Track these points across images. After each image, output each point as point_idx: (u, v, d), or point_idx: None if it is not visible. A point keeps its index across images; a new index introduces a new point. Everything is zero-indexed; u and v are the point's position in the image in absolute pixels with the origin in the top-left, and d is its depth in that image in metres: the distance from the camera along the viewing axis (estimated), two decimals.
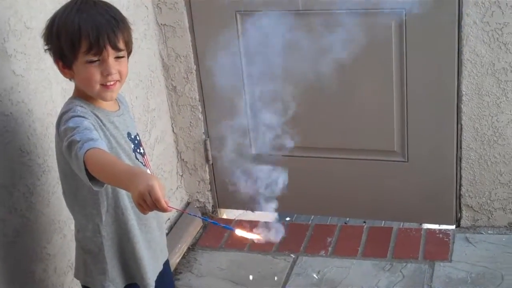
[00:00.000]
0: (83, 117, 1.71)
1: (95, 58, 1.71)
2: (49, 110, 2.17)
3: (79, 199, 1.81)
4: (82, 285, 1.95)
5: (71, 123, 1.68)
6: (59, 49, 1.74)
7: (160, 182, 1.49)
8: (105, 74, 1.72)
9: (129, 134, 1.86)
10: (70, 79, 1.81)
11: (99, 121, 1.77)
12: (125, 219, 1.83)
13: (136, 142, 1.89)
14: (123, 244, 1.85)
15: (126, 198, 1.82)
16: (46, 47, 1.78)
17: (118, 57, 1.74)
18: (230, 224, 3.13)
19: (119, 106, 1.89)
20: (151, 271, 1.91)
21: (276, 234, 1.69)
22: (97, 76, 1.72)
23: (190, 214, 1.70)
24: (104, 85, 1.74)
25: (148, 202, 1.47)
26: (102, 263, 1.85)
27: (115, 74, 1.74)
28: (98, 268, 1.86)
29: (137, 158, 1.86)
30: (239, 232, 1.63)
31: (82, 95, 1.79)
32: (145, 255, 1.87)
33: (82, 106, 1.75)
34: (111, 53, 1.72)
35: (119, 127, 1.83)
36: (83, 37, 1.69)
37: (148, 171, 1.89)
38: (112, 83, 1.74)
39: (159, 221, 1.96)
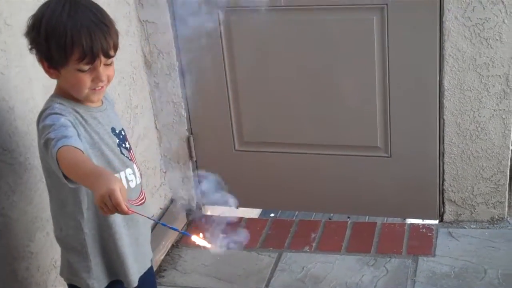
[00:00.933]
0: (60, 114, 1.70)
1: (87, 67, 1.70)
2: (30, 107, 2.15)
3: (61, 197, 1.80)
4: (68, 284, 1.94)
5: (48, 120, 1.69)
6: (46, 51, 1.71)
7: (123, 185, 1.51)
8: (96, 81, 1.73)
9: (113, 129, 1.85)
10: (55, 78, 1.79)
11: (80, 117, 1.76)
12: (106, 216, 1.82)
13: (121, 137, 1.88)
14: (105, 241, 1.84)
15: None
16: (30, 46, 1.75)
17: (107, 64, 1.74)
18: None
19: (102, 102, 1.87)
20: (135, 268, 1.90)
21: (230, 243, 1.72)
22: (88, 83, 1.72)
23: (151, 219, 1.70)
24: (93, 89, 1.74)
25: (109, 205, 1.48)
26: (86, 260, 1.84)
27: (104, 79, 1.74)
28: (82, 266, 1.85)
29: (122, 153, 1.85)
30: (195, 238, 1.65)
31: (64, 93, 1.78)
32: (129, 252, 1.86)
33: (61, 104, 1.75)
34: (103, 61, 1.71)
35: (102, 122, 1.82)
36: (75, 46, 1.66)
37: (135, 166, 1.89)
38: (100, 87, 1.75)
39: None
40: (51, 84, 2.10)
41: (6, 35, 2.04)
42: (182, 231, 1.66)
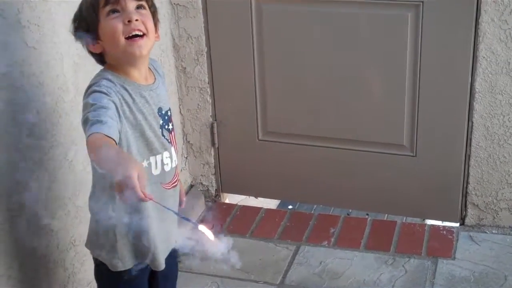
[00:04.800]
0: (105, 93, 1.68)
1: (115, 8, 1.69)
2: (59, 84, 2.14)
3: (98, 173, 1.77)
4: (93, 257, 1.93)
5: (91, 98, 1.66)
6: (84, 23, 1.72)
7: (143, 171, 1.48)
8: (127, 21, 1.69)
9: (160, 110, 1.83)
10: (101, 55, 1.77)
11: (128, 95, 1.73)
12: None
13: (166, 118, 1.85)
14: (135, 223, 1.82)
15: None
16: (75, 35, 1.77)
17: (139, 8, 1.72)
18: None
19: (155, 78, 1.85)
20: (163, 250, 1.89)
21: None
22: (119, 26, 1.69)
23: (167, 208, 1.67)
24: (129, 39, 1.70)
25: (126, 191, 1.45)
26: (113, 239, 1.82)
27: (138, 23, 1.70)
28: (108, 243, 1.83)
29: (163, 135, 1.83)
30: (202, 228, 1.61)
31: (114, 67, 1.76)
32: (158, 235, 1.84)
33: (109, 80, 1.72)
34: (128, 1, 1.70)
35: (150, 101, 1.79)
36: None
37: (173, 149, 1.87)
38: (136, 32, 1.70)
39: (175, 200, 1.93)
40: (82, 62, 2.11)
41: (40, 10, 2.02)
42: (192, 221, 1.62)
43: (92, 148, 1.56)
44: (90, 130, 1.58)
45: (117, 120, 1.66)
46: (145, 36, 1.72)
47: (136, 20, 1.70)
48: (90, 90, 1.70)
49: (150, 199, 1.49)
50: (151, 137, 1.79)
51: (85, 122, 1.62)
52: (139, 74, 1.79)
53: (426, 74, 2.74)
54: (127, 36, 1.70)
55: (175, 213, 1.67)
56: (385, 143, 2.92)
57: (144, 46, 1.73)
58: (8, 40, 1.91)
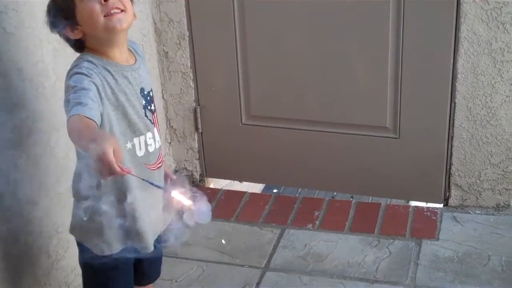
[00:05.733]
0: (86, 74, 1.67)
1: None
2: (39, 70, 2.12)
3: (82, 156, 1.76)
4: (77, 241, 1.91)
5: (72, 80, 1.66)
6: (61, 11, 1.70)
7: (117, 146, 1.47)
8: (103, 1, 1.67)
9: (142, 90, 1.82)
10: (81, 40, 1.75)
11: (111, 76, 1.73)
12: (123, 179, 1.79)
13: (148, 98, 1.84)
14: (121, 205, 1.80)
15: (125, 158, 1.78)
16: (51, 26, 1.75)
17: None
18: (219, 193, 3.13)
19: (136, 59, 1.84)
20: (151, 232, 1.88)
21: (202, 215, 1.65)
22: (97, 6, 1.67)
23: (143, 179, 1.65)
24: (108, 15, 1.69)
25: (103, 168, 1.44)
26: (98, 222, 1.81)
27: (115, 1, 1.68)
28: (93, 227, 1.82)
29: (146, 116, 1.82)
30: (175, 194, 1.60)
31: (95, 49, 1.74)
32: (145, 217, 1.83)
33: (90, 61, 1.71)
34: None
35: (132, 82, 1.78)
36: None
37: (155, 130, 1.86)
38: (114, 10, 1.68)
39: (161, 181, 1.92)
40: (62, 47, 2.07)
41: None
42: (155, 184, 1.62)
43: (71, 129, 1.56)
44: (70, 112, 1.57)
45: (98, 101, 1.66)
46: (123, 12, 1.71)
47: None
48: (71, 73, 1.69)
49: (128, 172, 1.49)
50: (134, 118, 1.78)
51: (66, 104, 1.62)
52: (120, 54, 1.78)
53: (408, 56, 2.74)
54: (106, 14, 1.69)
55: (150, 183, 1.65)
56: (368, 125, 2.93)
57: (124, 20, 1.72)
58: None
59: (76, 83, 1.64)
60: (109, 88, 1.72)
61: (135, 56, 1.85)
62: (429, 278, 2.51)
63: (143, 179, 1.64)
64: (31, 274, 2.18)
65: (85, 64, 1.70)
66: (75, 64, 1.71)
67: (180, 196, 1.60)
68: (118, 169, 1.44)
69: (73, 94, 1.61)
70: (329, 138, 3.00)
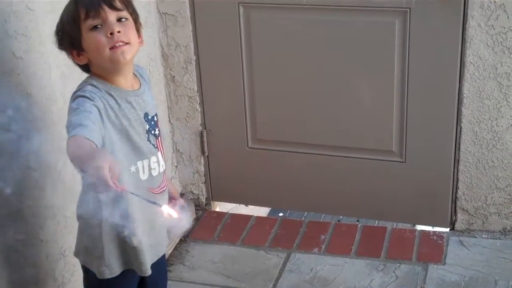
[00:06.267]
0: (89, 98, 1.69)
1: (96, 23, 1.70)
2: (47, 94, 2.14)
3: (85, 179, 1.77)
4: (81, 265, 1.93)
5: (75, 103, 1.69)
6: (67, 35, 1.74)
7: (114, 162, 1.48)
8: (109, 33, 1.70)
9: (146, 115, 1.84)
10: (87, 66, 1.78)
11: (114, 101, 1.75)
12: (124, 203, 1.79)
13: (152, 123, 1.86)
14: (122, 228, 1.80)
15: (125, 182, 1.79)
16: (59, 47, 1.79)
17: (120, 20, 1.73)
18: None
19: (140, 84, 1.86)
20: (151, 256, 1.88)
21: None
22: (103, 39, 1.70)
23: (139, 196, 1.66)
24: (113, 48, 1.71)
25: (98, 182, 1.45)
26: (99, 246, 1.82)
27: (120, 34, 1.71)
28: (95, 250, 1.83)
29: (149, 140, 1.84)
30: (165, 208, 1.60)
31: (99, 74, 1.77)
32: (146, 240, 1.84)
33: (94, 86, 1.73)
34: (109, 12, 1.70)
35: (136, 107, 1.80)
36: (79, 6, 1.71)
37: (159, 154, 1.87)
38: (119, 44, 1.71)
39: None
40: (70, 72, 2.10)
41: (27, 20, 2.02)
42: (157, 203, 1.62)
43: (70, 149, 1.57)
44: (71, 133, 1.60)
45: (100, 124, 1.68)
46: (128, 45, 1.73)
47: (118, 32, 1.71)
48: (74, 96, 1.72)
49: (123, 189, 1.49)
50: (137, 142, 1.80)
51: (68, 126, 1.64)
52: (125, 80, 1.80)
53: (414, 80, 2.75)
54: (111, 46, 1.71)
55: (143, 199, 1.65)
56: (374, 149, 2.93)
57: (127, 52, 1.74)
58: None
59: (79, 106, 1.67)
60: (113, 112, 1.74)
61: (140, 81, 1.87)
62: None
63: (140, 197, 1.64)
64: None
65: (89, 87, 1.72)
66: (79, 88, 1.75)
67: (170, 210, 1.61)
68: (112, 184, 1.45)
69: (75, 116, 1.64)
70: (335, 162, 3.00)
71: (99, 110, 1.69)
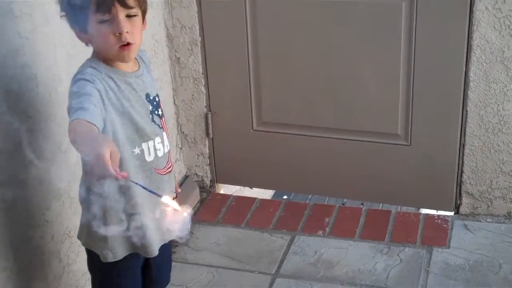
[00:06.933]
0: (89, 80, 1.69)
1: (105, 18, 1.68)
2: (52, 74, 2.13)
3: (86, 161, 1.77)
4: (85, 248, 1.93)
5: (75, 87, 1.69)
6: (72, 14, 1.71)
7: (115, 149, 1.48)
8: (117, 33, 1.69)
9: (147, 95, 1.83)
10: (87, 44, 1.77)
11: (113, 83, 1.75)
12: (128, 186, 1.80)
13: (154, 103, 1.86)
14: (125, 211, 1.81)
15: (129, 165, 1.79)
16: (61, 14, 1.75)
17: (130, 16, 1.71)
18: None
19: (139, 66, 1.85)
20: (157, 237, 1.88)
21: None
22: (111, 37, 1.70)
23: (139, 185, 1.66)
24: (121, 46, 1.71)
25: (98, 169, 1.45)
26: (103, 230, 1.81)
27: (128, 35, 1.70)
28: (98, 234, 1.82)
29: (153, 121, 1.84)
30: (165, 199, 1.60)
31: (100, 56, 1.76)
32: (150, 223, 1.83)
33: (94, 68, 1.73)
34: (120, 10, 1.69)
35: (136, 88, 1.80)
36: None
37: (164, 134, 1.87)
38: (126, 43, 1.71)
39: (171, 185, 1.93)
40: (75, 51, 2.09)
41: (32, 0, 2.01)
42: (157, 194, 1.62)
43: (71, 133, 1.57)
44: (72, 117, 1.59)
45: (101, 107, 1.67)
46: (133, 44, 1.74)
47: (127, 32, 1.70)
48: (75, 79, 1.72)
49: (123, 176, 1.48)
50: (141, 123, 1.80)
51: (69, 109, 1.64)
52: (126, 65, 1.81)
53: (420, 63, 2.74)
54: (119, 46, 1.71)
55: (143, 187, 1.65)
56: (379, 132, 2.92)
57: (133, 52, 1.76)
58: (1, 30, 1.90)
59: (79, 89, 1.66)
60: (113, 94, 1.74)
61: (138, 62, 1.86)
62: (440, 286, 2.50)
63: (140, 185, 1.64)
64: (43, 278, 2.18)
65: (89, 70, 1.72)
66: (79, 71, 1.74)
67: (172, 202, 1.61)
68: (113, 171, 1.45)
69: (76, 99, 1.64)
70: (340, 145, 3.00)
71: (99, 93, 1.69)
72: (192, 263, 2.72)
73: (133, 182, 1.65)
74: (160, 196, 1.60)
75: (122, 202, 1.79)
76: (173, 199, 1.63)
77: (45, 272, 2.19)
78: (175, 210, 1.61)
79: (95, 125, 1.60)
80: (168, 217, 1.63)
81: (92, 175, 1.48)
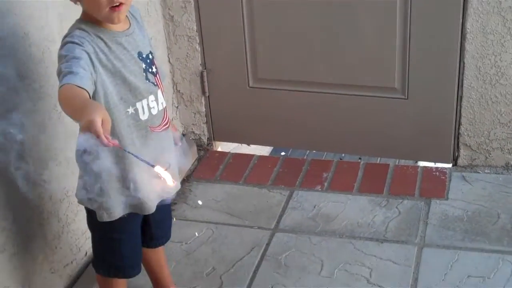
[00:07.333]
0: (77, 43, 1.67)
1: None
2: (45, 35, 2.11)
3: None
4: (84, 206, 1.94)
5: (64, 50, 1.67)
6: None
7: (106, 116, 1.48)
8: None
9: (140, 54, 1.82)
10: (76, 3, 1.75)
11: (103, 44, 1.73)
12: (122, 146, 1.79)
13: (148, 61, 1.84)
14: (121, 170, 1.80)
15: (121, 126, 1.78)
16: None
17: None
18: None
19: (130, 23, 1.83)
20: (153, 197, 1.88)
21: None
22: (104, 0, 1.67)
23: (130, 152, 1.66)
24: (111, 8, 1.69)
25: (91, 138, 1.45)
26: (98, 190, 1.81)
27: None
28: (94, 194, 1.82)
29: (148, 79, 1.82)
30: (158, 169, 1.60)
31: (88, 17, 1.74)
32: (146, 181, 1.83)
33: (83, 29, 1.71)
34: None
35: (127, 47, 1.78)
36: None
37: (159, 92, 1.86)
38: (118, 4, 1.69)
39: (170, 141, 1.94)
40: (67, 12, 2.06)
41: None
42: (150, 163, 1.61)
43: (62, 99, 1.57)
44: (61, 81, 1.58)
45: (91, 70, 1.66)
46: (123, 5, 1.71)
47: None
48: (63, 42, 1.70)
49: (114, 144, 1.48)
50: (134, 83, 1.78)
51: (59, 73, 1.63)
52: (116, 25, 1.78)
53: (417, 15, 2.71)
54: (110, 6, 1.69)
55: (135, 156, 1.65)
56: (376, 86, 2.91)
57: (123, 12, 1.74)
58: None
59: (68, 53, 1.65)
60: (103, 55, 1.73)
61: (129, 20, 1.84)
62: (439, 237, 2.52)
63: (132, 154, 1.64)
64: (42, 237, 2.19)
65: (77, 32, 1.71)
66: (68, 33, 1.73)
67: (164, 173, 1.60)
68: (105, 139, 1.45)
69: (65, 63, 1.62)
70: (337, 100, 2.99)
71: (89, 55, 1.67)
72: (192, 219, 2.73)
73: (125, 150, 1.66)
74: (152, 166, 1.60)
75: (116, 162, 1.79)
76: (166, 169, 1.61)
77: (44, 231, 2.20)
78: (164, 180, 1.61)
79: (85, 90, 1.59)
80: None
81: (84, 141, 1.47)
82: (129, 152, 1.66)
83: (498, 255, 2.40)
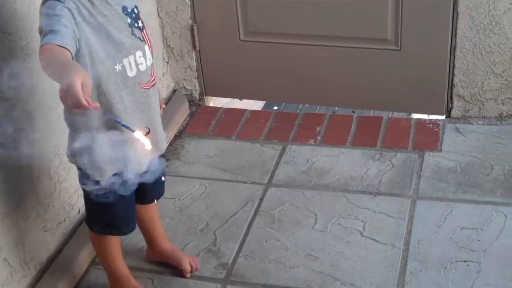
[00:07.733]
0: (59, 0, 1.63)
1: None
2: None
3: None
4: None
5: (45, 7, 1.64)
6: None
7: (87, 78, 1.44)
8: None
9: (124, 8, 1.77)
10: None
11: (86, 0, 1.68)
12: (109, 104, 1.77)
13: (133, 15, 1.80)
14: (110, 131, 1.78)
15: (109, 84, 1.75)
16: None
17: None
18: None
19: None
20: (143, 154, 1.86)
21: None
22: None
23: (111, 117, 1.64)
24: None
25: (70, 99, 1.42)
26: (88, 150, 1.78)
27: None
28: (84, 154, 1.80)
29: (133, 34, 1.79)
30: (137, 134, 1.57)
31: None
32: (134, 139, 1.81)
33: None
34: None
35: (111, 2, 1.74)
36: None
37: (146, 47, 1.83)
38: None
39: (156, 99, 1.92)
40: None
41: None
42: (131, 128, 1.59)
43: (43, 59, 1.54)
44: (42, 41, 1.55)
45: (73, 27, 1.63)
46: None
47: None
48: None
49: (94, 107, 1.45)
50: (119, 38, 1.75)
51: (40, 32, 1.60)
52: None
53: None
54: None
55: (116, 121, 1.62)
56: (369, 38, 2.87)
57: None
58: None
59: (49, 10, 1.61)
60: (86, 11, 1.69)
61: None
62: (432, 189, 2.52)
63: (112, 118, 1.62)
64: (34, 196, 2.18)
65: None
66: None
67: (143, 138, 1.58)
68: (84, 102, 1.42)
69: (46, 21, 1.59)
70: (329, 52, 2.95)
71: (71, 12, 1.64)
72: (184, 175, 2.72)
73: (105, 114, 1.64)
74: (132, 130, 1.57)
75: (103, 122, 1.76)
76: (145, 134, 1.58)
77: (36, 190, 2.18)
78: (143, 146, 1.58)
79: (67, 49, 1.56)
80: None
81: (65, 103, 1.45)
82: (110, 117, 1.63)
83: (491, 207, 2.40)
